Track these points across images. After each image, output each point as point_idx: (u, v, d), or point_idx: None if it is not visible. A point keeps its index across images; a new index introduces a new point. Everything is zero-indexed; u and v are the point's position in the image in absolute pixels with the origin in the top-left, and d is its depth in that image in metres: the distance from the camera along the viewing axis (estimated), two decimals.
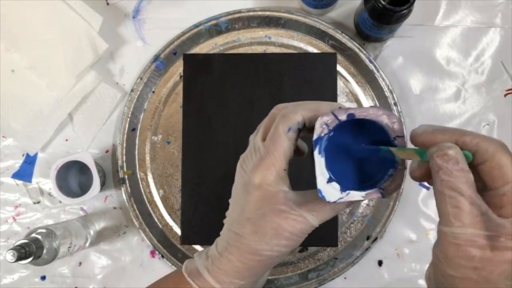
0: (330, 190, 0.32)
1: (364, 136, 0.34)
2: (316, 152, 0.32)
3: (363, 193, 0.33)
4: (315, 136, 0.32)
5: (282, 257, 0.36)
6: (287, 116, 0.34)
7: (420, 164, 0.31)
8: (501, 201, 0.28)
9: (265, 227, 0.34)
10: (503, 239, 0.27)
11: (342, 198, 0.32)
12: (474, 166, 0.29)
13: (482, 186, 0.29)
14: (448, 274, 0.29)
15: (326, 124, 0.32)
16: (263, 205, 0.34)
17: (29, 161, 0.67)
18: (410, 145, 0.32)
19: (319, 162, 0.32)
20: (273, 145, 0.34)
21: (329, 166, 0.32)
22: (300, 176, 0.39)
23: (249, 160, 0.35)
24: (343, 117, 0.32)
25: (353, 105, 0.65)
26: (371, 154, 0.34)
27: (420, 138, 0.30)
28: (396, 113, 0.63)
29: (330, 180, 0.32)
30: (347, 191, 0.32)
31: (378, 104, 0.64)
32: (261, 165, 0.34)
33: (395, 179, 0.33)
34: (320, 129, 0.32)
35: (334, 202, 0.32)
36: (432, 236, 0.64)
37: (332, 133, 0.32)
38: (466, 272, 0.28)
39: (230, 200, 0.37)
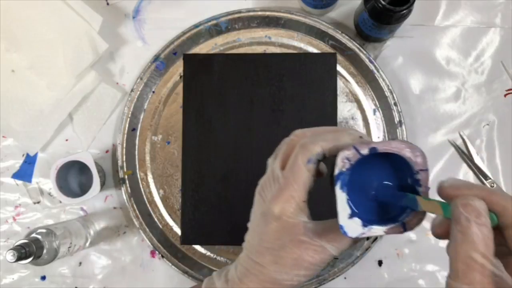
0: (352, 225, 0.32)
1: (387, 168, 0.33)
2: (337, 188, 0.31)
3: (384, 228, 0.32)
4: (336, 171, 0.31)
5: (301, 285, 0.35)
6: (307, 147, 0.33)
7: (442, 221, 0.30)
8: None
9: (285, 257, 0.34)
10: None
11: (364, 233, 0.32)
12: (499, 228, 0.27)
13: (507, 251, 0.27)
14: None
15: (348, 159, 0.31)
16: (283, 236, 0.34)
17: (29, 161, 0.67)
18: (431, 178, 0.31)
19: (341, 197, 0.32)
20: (293, 176, 0.33)
21: (350, 197, 0.32)
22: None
23: (268, 188, 0.35)
24: (365, 151, 0.31)
25: (354, 105, 0.65)
26: (395, 196, 0.33)
27: (446, 191, 0.29)
28: (396, 113, 0.63)
29: (352, 216, 0.32)
30: (369, 227, 0.32)
31: (378, 104, 0.64)
32: (280, 196, 0.33)
33: (417, 214, 0.32)
34: (341, 164, 0.31)
35: (356, 237, 0.32)
36: (432, 236, 0.64)
37: (353, 168, 0.32)
38: None
39: (249, 224, 0.37)
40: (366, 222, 0.32)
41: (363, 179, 0.33)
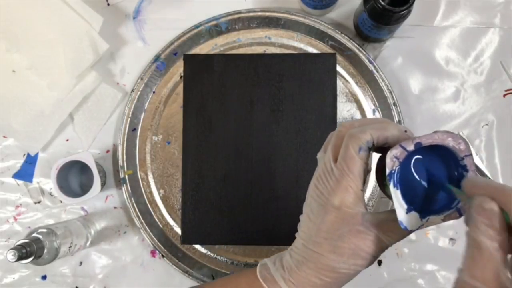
0: (411, 220, 0.33)
1: (434, 159, 0.35)
2: (391, 186, 0.33)
3: (441, 216, 0.33)
4: (387, 171, 0.33)
5: (357, 274, 0.36)
6: (356, 136, 0.34)
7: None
8: None
9: (343, 247, 0.35)
10: None
11: (422, 225, 0.33)
12: None
13: None
14: None
15: (396, 158, 0.33)
16: (342, 226, 0.35)
17: (30, 161, 0.67)
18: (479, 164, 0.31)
19: (396, 194, 0.33)
20: (347, 166, 0.34)
21: (403, 193, 0.33)
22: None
23: (324, 182, 0.36)
24: (411, 147, 0.33)
25: (353, 105, 0.65)
26: (438, 186, 0.35)
27: (467, 188, 0.30)
28: (395, 113, 0.64)
29: (409, 210, 0.33)
30: (427, 217, 0.33)
31: (377, 104, 0.65)
32: (338, 187, 0.34)
33: None
34: (391, 163, 0.33)
35: (416, 230, 0.33)
36: (432, 236, 0.64)
37: (402, 163, 0.33)
38: None
39: (302, 217, 0.38)
40: (425, 215, 0.33)
41: (414, 173, 0.35)
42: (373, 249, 0.35)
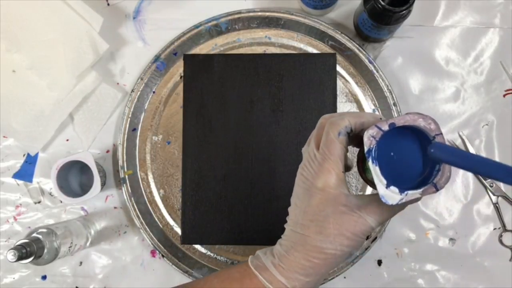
0: (390, 195, 0.35)
1: (409, 138, 0.37)
2: (370, 163, 0.36)
3: (419, 191, 0.36)
4: (365, 149, 0.36)
5: (344, 257, 0.38)
6: (335, 122, 0.37)
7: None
8: None
9: (328, 228, 0.37)
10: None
11: (402, 199, 0.35)
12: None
13: None
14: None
15: (373, 136, 0.36)
16: (326, 207, 0.37)
17: (30, 161, 0.67)
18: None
19: (375, 171, 0.36)
20: (328, 150, 0.37)
21: (382, 170, 0.36)
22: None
23: (308, 168, 0.38)
24: (385, 127, 0.36)
25: (353, 105, 0.65)
26: (414, 163, 0.37)
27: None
28: (395, 113, 0.64)
29: (388, 185, 0.35)
30: (405, 192, 0.35)
31: (377, 104, 0.65)
32: (321, 170, 0.37)
33: (444, 172, 0.36)
34: (368, 142, 0.36)
35: (396, 204, 0.35)
36: (432, 236, 0.64)
37: (379, 143, 0.36)
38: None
39: (290, 208, 0.40)
40: (403, 190, 0.35)
41: (391, 153, 0.37)
42: (357, 230, 0.37)
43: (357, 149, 0.42)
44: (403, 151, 0.37)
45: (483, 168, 0.32)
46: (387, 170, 0.36)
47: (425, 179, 0.37)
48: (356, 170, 0.44)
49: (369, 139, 0.36)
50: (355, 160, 0.42)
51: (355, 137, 0.39)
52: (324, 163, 0.37)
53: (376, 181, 0.35)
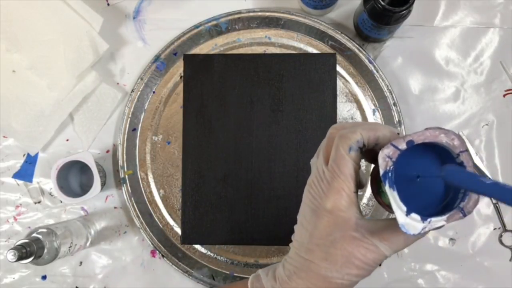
0: (412, 223, 0.31)
1: (431, 157, 0.33)
2: (387, 187, 0.31)
3: (444, 217, 0.31)
4: (381, 171, 0.31)
5: (353, 285, 0.35)
6: (346, 136, 0.33)
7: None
8: None
9: (335, 254, 0.33)
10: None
11: (425, 227, 0.31)
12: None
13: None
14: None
15: (389, 157, 0.31)
16: (334, 231, 0.33)
17: (30, 161, 0.67)
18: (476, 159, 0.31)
19: (393, 196, 0.31)
20: (338, 167, 0.33)
21: (400, 195, 0.31)
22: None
23: (317, 185, 0.34)
24: (403, 146, 0.31)
25: (353, 105, 0.65)
26: (437, 186, 0.33)
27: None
28: (395, 113, 0.64)
29: (408, 212, 0.31)
30: (428, 219, 0.31)
31: (377, 104, 0.65)
32: (330, 190, 0.33)
33: (471, 196, 0.31)
34: (384, 163, 0.31)
35: (419, 234, 0.31)
36: (432, 236, 0.64)
37: (396, 164, 0.32)
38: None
39: (296, 226, 0.37)
40: (426, 217, 0.31)
41: (410, 174, 0.33)
42: (368, 258, 0.33)
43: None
44: (424, 172, 0.33)
45: (500, 195, 0.27)
46: (406, 193, 0.31)
47: (450, 203, 0.32)
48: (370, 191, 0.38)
49: (385, 160, 0.31)
50: (369, 178, 0.37)
51: (368, 151, 0.34)
52: (333, 181, 0.33)
53: (394, 207, 0.31)
